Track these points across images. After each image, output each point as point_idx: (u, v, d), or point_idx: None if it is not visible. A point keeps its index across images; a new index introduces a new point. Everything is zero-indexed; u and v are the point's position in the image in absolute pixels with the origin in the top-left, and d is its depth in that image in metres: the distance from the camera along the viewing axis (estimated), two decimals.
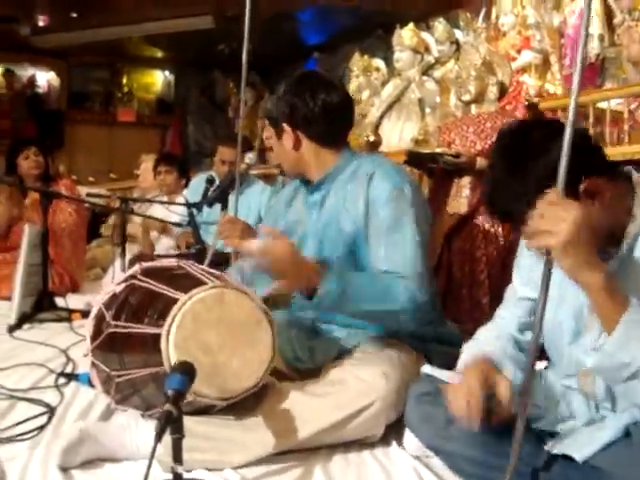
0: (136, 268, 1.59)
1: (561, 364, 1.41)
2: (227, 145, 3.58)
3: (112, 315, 1.53)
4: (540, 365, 1.51)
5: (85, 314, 2.95)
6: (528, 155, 1.20)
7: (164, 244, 4.05)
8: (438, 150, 3.06)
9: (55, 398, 1.86)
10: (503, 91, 3.36)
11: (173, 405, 1.15)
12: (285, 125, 1.82)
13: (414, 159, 3.26)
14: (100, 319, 1.56)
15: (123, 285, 1.58)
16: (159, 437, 1.10)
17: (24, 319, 2.83)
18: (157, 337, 1.44)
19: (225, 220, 2.26)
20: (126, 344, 1.52)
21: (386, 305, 1.60)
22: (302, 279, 1.53)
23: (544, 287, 1.09)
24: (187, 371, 1.24)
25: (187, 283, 1.51)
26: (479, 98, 3.25)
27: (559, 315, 1.34)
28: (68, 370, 2.14)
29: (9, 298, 3.11)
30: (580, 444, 1.26)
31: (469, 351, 1.45)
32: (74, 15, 7.62)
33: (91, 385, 1.82)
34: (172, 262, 1.64)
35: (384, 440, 1.63)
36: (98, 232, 5.01)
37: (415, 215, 1.70)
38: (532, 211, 1.07)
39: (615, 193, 1.22)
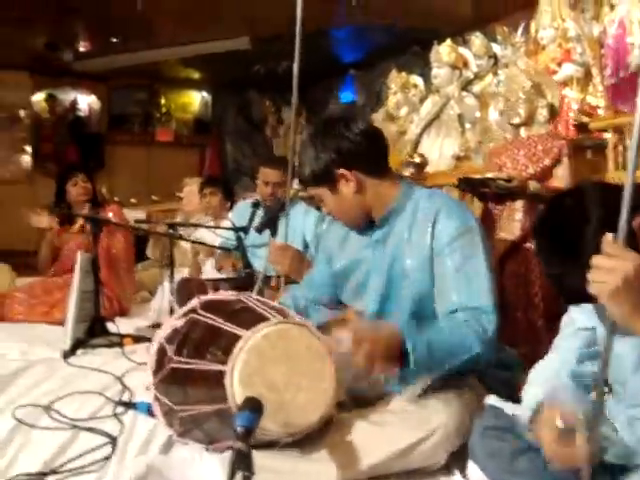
0: (195, 302, 1.59)
1: (624, 394, 1.38)
2: (269, 166, 3.37)
3: (174, 350, 1.54)
4: None
5: (136, 339, 2.99)
6: (571, 233, 1.22)
7: (211, 265, 4.06)
8: (490, 175, 3.03)
9: (115, 427, 1.87)
10: (553, 112, 3.32)
11: (243, 442, 1.16)
12: (342, 170, 1.74)
13: (466, 184, 3.24)
14: (162, 353, 1.57)
15: (184, 319, 1.59)
16: (232, 478, 1.11)
17: (78, 345, 2.85)
18: (220, 373, 1.44)
19: (275, 247, 2.26)
20: (188, 378, 1.53)
21: (463, 356, 1.59)
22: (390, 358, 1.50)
23: (609, 336, 1.10)
24: (255, 407, 1.25)
25: (248, 318, 1.52)
26: (529, 121, 3.22)
27: (618, 347, 1.32)
28: (125, 398, 2.15)
29: (61, 322, 3.17)
30: None
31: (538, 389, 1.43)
32: (114, 40, 7.80)
33: (150, 414, 1.84)
34: (232, 295, 1.63)
35: (447, 469, 1.62)
36: (143, 254, 5.04)
37: (483, 248, 1.71)
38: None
39: None
